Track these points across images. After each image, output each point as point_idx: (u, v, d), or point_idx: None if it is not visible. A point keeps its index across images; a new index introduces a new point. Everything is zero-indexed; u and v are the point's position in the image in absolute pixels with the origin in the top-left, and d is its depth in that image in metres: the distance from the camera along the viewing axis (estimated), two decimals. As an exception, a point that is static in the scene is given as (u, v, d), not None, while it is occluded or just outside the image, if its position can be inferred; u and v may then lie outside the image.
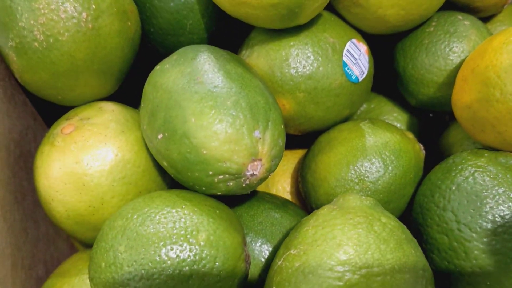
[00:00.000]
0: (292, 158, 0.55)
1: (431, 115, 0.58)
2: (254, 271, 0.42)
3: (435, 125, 0.57)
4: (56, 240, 0.53)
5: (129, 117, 0.44)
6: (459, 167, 0.40)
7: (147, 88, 0.41)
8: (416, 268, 0.34)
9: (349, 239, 0.33)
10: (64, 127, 0.43)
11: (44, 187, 0.42)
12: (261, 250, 0.42)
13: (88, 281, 0.42)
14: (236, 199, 0.45)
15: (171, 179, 0.45)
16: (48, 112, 0.53)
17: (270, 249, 0.42)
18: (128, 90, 0.52)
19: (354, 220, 0.35)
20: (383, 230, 0.34)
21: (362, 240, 0.33)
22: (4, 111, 0.45)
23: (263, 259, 0.42)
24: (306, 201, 0.49)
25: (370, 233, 0.34)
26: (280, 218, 0.44)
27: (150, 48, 0.51)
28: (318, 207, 0.46)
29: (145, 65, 0.52)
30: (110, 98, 0.49)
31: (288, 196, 0.54)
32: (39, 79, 0.43)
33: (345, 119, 0.50)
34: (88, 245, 0.45)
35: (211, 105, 0.36)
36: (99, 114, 0.44)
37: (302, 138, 0.55)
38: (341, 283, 0.32)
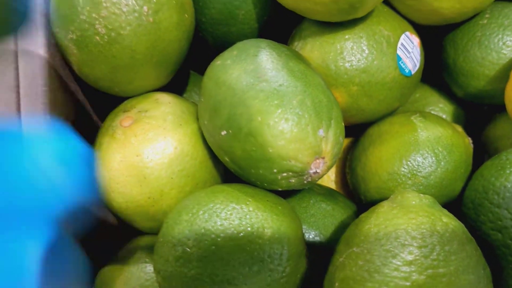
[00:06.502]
0: (337, 148, 0.55)
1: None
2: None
3: (478, 117, 0.57)
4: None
5: (185, 109, 0.45)
6: (514, 165, 0.41)
7: (208, 83, 0.41)
8: (478, 267, 0.34)
9: (413, 239, 0.34)
10: (123, 119, 0.43)
11: (105, 179, 0.43)
12: (314, 243, 0.43)
13: (147, 270, 0.43)
14: (288, 192, 0.46)
15: (225, 169, 0.46)
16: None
17: (323, 242, 0.43)
18: (175, 79, 0.52)
19: (417, 220, 0.35)
20: (445, 230, 0.35)
21: (426, 241, 0.34)
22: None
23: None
24: (354, 193, 0.50)
25: (433, 233, 0.34)
26: (332, 211, 0.45)
27: (200, 38, 0.51)
28: (367, 199, 0.47)
29: (194, 55, 0.52)
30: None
31: (332, 185, 0.55)
32: (99, 72, 0.43)
33: (394, 111, 0.51)
34: (145, 233, 0.46)
35: (277, 104, 0.37)
36: (157, 107, 0.44)
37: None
38: (408, 283, 0.32)
